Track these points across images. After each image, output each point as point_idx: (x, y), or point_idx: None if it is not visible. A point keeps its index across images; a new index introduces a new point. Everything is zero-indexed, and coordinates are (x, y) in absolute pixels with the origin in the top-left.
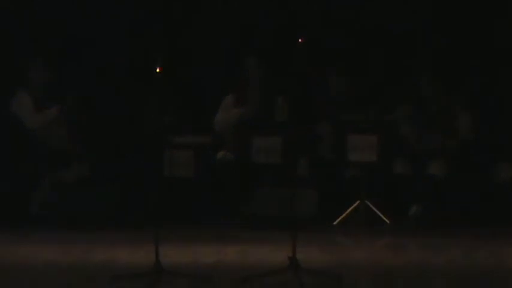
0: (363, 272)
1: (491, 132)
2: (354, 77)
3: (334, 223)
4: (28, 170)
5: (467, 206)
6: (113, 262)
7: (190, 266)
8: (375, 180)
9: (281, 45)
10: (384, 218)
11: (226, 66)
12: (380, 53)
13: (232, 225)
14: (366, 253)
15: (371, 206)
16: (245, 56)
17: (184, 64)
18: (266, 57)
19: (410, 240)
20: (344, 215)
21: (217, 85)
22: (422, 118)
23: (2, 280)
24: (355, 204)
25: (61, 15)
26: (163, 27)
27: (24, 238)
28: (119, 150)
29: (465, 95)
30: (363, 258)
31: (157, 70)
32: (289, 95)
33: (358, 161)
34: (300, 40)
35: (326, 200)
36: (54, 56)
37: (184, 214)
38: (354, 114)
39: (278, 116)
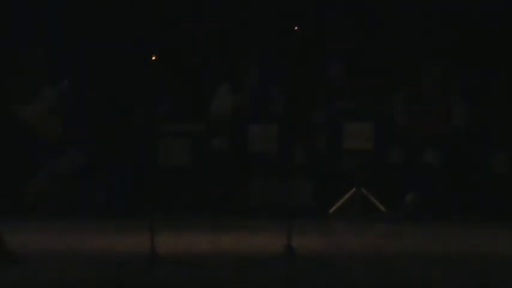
0: (358, 260)
1: (487, 121)
2: (350, 65)
3: (330, 211)
4: (24, 159)
5: (463, 194)
6: (108, 250)
7: (186, 254)
8: (371, 169)
9: (280, 34)
10: (380, 206)
11: (223, 53)
12: (377, 40)
13: (228, 214)
14: (361, 241)
15: (367, 194)
16: (242, 44)
17: (180, 52)
18: (262, 46)
19: (406, 229)
20: (340, 203)
21: (213, 72)
22: (418, 106)
23: None
24: (350, 192)
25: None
26: (161, 16)
27: (20, 227)
28: (114, 139)
29: (461, 83)
30: (359, 247)
31: (153, 58)
32: (286, 83)
33: (354, 149)
34: (295, 28)
35: (322, 188)
36: (50, 44)
37: (179, 202)
38: (349, 103)
39: (274, 104)
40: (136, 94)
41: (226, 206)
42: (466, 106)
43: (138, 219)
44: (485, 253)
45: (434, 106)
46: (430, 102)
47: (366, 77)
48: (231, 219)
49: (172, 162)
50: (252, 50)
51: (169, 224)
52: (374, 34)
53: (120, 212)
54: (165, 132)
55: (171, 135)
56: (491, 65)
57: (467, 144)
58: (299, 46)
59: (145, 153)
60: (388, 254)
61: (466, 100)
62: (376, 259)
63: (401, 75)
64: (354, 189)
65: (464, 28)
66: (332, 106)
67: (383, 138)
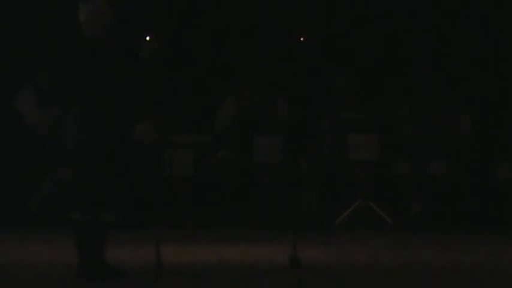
0: (364, 271)
1: (491, 131)
2: (354, 76)
3: (335, 222)
4: (29, 169)
5: (468, 205)
6: (114, 262)
7: (191, 265)
8: (376, 180)
9: (282, 45)
10: (385, 217)
11: (228, 65)
12: (381, 51)
13: (233, 225)
14: (367, 252)
15: (372, 205)
16: (246, 56)
17: (185, 63)
18: (266, 57)
19: (411, 240)
20: (345, 214)
21: (218, 84)
22: (423, 117)
23: (2, 279)
24: (356, 204)
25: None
26: (165, 25)
27: (24, 237)
28: (119, 150)
29: (466, 94)
30: (364, 258)
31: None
32: (290, 94)
33: (359, 160)
34: (302, 39)
35: (327, 200)
36: (60, 53)
37: (185, 213)
38: (354, 113)
39: (279, 115)
40: (141, 104)
41: (231, 217)
42: (471, 116)
43: (143, 230)
44: (491, 265)
45: (438, 116)
46: (434, 111)
47: (372, 87)
48: (236, 230)
49: (178, 173)
50: (256, 60)
51: (174, 235)
52: (379, 44)
53: (125, 223)
54: (171, 143)
55: (176, 146)
56: (495, 73)
57: (473, 154)
58: (304, 56)
59: (150, 163)
60: (393, 265)
61: (470, 110)
62: (381, 271)
63: (407, 85)
64: (359, 201)
65: (466, 36)
66: (337, 116)
67: (388, 148)
